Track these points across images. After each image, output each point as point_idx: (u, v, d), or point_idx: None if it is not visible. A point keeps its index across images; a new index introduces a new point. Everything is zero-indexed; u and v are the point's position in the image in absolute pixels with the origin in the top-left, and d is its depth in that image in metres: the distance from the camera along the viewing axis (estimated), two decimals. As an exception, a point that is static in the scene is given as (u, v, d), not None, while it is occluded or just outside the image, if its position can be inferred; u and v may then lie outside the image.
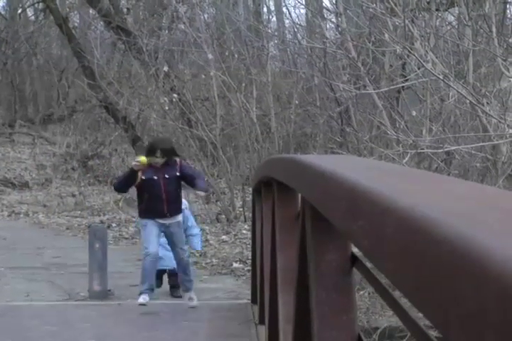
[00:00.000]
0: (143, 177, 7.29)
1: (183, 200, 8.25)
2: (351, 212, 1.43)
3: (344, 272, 2.37)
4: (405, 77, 11.48)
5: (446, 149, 6.73)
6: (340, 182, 1.55)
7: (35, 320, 6.43)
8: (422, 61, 6.79)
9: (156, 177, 7.34)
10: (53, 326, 6.29)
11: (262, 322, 5.85)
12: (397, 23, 9.00)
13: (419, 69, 8.85)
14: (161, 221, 7.57)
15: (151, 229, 7.42)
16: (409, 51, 6.99)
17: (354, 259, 2.41)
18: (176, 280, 8.24)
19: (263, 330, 5.44)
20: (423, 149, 6.99)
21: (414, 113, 7.94)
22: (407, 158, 6.74)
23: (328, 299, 2.32)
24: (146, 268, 7.50)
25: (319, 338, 2.30)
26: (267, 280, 4.91)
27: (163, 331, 6.29)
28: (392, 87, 8.74)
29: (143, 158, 7.30)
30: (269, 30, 15.63)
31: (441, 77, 6.81)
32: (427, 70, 8.74)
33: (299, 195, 4.47)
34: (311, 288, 2.42)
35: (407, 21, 7.24)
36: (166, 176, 7.38)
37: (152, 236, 7.41)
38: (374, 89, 9.04)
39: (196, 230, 8.65)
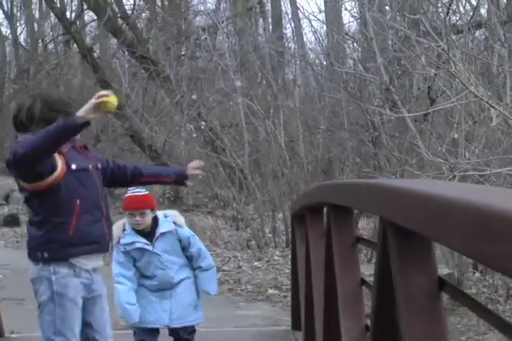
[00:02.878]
0: (72, 167, 3.91)
1: (173, 212, 5.59)
2: (483, 235, 1.41)
3: (433, 296, 2.34)
4: (432, 99, 11.48)
5: (493, 171, 6.70)
6: (464, 205, 1.53)
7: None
8: (465, 84, 6.79)
9: (90, 167, 4.03)
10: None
11: (309, 348, 5.80)
12: (426, 46, 9.02)
13: (449, 90, 8.85)
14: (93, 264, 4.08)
15: (76, 297, 3.93)
16: (452, 73, 6.99)
17: (441, 283, 2.38)
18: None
19: (312, 357, 5.39)
20: (465, 171, 6.96)
21: (456, 135, 7.94)
22: (456, 180, 6.71)
23: (419, 324, 2.29)
24: None
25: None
26: (319, 307, 4.87)
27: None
28: (430, 110, 8.74)
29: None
30: (295, 55, 15.70)
31: (484, 99, 6.81)
32: (459, 92, 8.74)
33: (354, 220, 4.44)
34: (399, 313, 2.39)
35: (442, 44, 7.25)
36: (99, 166, 4.15)
37: (77, 318, 3.94)
38: (406, 113, 9.03)
39: (210, 259, 5.55)
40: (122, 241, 5.22)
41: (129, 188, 5.18)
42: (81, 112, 3.63)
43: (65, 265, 3.86)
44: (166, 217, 5.38)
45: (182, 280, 5.36)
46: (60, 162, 3.82)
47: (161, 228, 5.27)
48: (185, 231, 5.49)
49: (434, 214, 1.82)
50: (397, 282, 2.41)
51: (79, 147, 4.00)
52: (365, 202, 2.88)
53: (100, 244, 3.98)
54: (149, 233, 5.26)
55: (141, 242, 5.23)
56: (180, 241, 5.36)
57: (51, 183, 3.82)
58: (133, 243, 5.23)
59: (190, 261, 5.41)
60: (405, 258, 2.39)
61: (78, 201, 3.84)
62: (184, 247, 5.38)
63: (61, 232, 3.82)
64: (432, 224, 1.88)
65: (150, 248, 5.24)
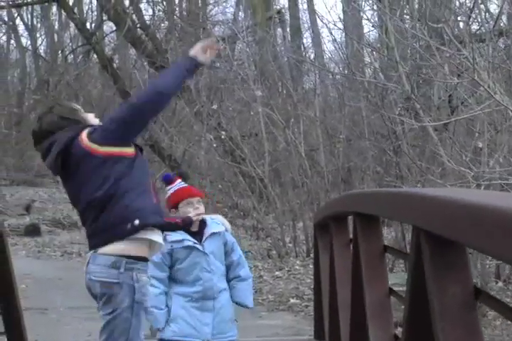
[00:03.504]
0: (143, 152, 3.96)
1: (217, 216, 5.34)
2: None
3: (469, 306, 2.33)
4: (452, 108, 11.45)
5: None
6: (498, 210, 1.53)
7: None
8: (491, 92, 6.77)
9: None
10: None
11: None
12: (448, 55, 9.01)
13: (471, 99, 8.83)
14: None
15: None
16: (477, 82, 6.97)
17: (477, 292, 2.37)
18: None
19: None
20: (490, 180, 6.94)
21: (480, 144, 7.91)
22: (481, 189, 6.68)
23: (455, 334, 2.28)
24: None
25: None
26: (345, 316, 4.85)
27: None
28: (454, 119, 8.72)
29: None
30: (314, 64, 15.71)
31: (510, 107, 6.78)
32: (481, 101, 8.72)
33: (381, 229, 4.44)
34: (434, 323, 2.38)
35: (466, 52, 7.24)
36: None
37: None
38: (428, 122, 9.01)
39: (247, 268, 5.28)
40: (169, 238, 4.77)
41: (168, 187, 4.97)
42: (194, 52, 3.81)
43: (144, 273, 3.77)
44: (212, 218, 5.09)
45: (222, 290, 5.02)
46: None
47: (211, 228, 4.97)
48: (231, 236, 5.21)
49: (470, 221, 1.82)
50: (431, 291, 2.40)
51: None
52: (397, 211, 2.87)
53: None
54: (197, 233, 4.93)
55: (191, 240, 4.88)
56: (225, 245, 5.04)
57: (134, 154, 3.74)
58: (182, 240, 4.86)
59: (228, 269, 5.07)
60: (440, 267, 2.38)
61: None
62: (227, 252, 5.06)
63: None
64: (467, 230, 1.88)
65: (200, 247, 4.89)
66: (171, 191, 4.94)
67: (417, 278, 2.62)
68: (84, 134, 3.75)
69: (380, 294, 3.89)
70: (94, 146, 3.68)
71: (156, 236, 3.75)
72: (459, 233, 1.99)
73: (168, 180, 5.01)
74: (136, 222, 3.62)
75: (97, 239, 3.70)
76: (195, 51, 3.79)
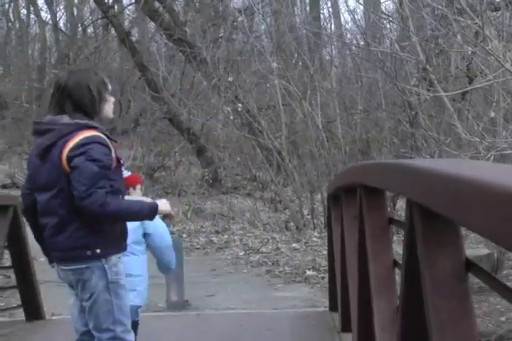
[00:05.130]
0: (121, 161, 3.88)
1: None
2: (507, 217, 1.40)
3: (460, 278, 2.32)
4: (470, 78, 11.34)
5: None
6: (491, 187, 1.51)
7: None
8: (501, 61, 6.68)
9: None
10: (138, 338, 6.31)
11: (345, 330, 5.80)
12: (463, 24, 8.89)
13: (489, 69, 8.71)
14: None
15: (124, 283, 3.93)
16: (488, 51, 6.88)
17: (468, 264, 2.36)
18: None
19: (348, 338, 5.39)
20: (502, 150, 6.88)
21: (492, 114, 7.82)
22: (491, 160, 6.63)
23: (445, 306, 2.27)
24: None
25: (438, 345, 2.26)
26: (354, 288, 4.86)
27: (247, 341, 6.27)
28: (467, 89, 8.63)
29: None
30: (331, 36, 15.59)
31: (521, 76, 6.70)
32: (496, 71, 8.61)
33: (387, 201, 4.43)
34: (425, 295, 2.38)
35: (479, 21, 7.14)
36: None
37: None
38: (443, 92, 8.92)
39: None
40: None
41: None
42: (162, 206, 3.85)
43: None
44: None
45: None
46: (114, 155, 3.74)
47: None
48: None
49: (460, 197, 1.80)
50: (422, 263, 2.40)
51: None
52: (394, 183, 2.86)
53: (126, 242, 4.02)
54: None
55: None
56: None
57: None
58: None
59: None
60: (431, 239, 2.37)
61: (120, 196, 3.78)
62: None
63: (114, 228, 3.79)
64: (457, 207, 1.85)
65: None
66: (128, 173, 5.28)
67: (410, 250, 2.62)
68: (71, 145, 3.64)
69: (385, 266, 3.89)
70: (65, 166, 3.65)
71: None
72: (442, 206, 1.98)
73: None
74: None
75: None
76: (163, 206, 3.86)
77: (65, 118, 3.70)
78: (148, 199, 4.55)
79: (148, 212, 3.80)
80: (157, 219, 5.19)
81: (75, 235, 3.68)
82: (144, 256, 5.21)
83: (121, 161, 3.85)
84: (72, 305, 3.93)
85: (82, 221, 3.66)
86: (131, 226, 4.44)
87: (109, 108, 3.83)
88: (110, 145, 3.73)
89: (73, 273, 3.73)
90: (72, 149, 3.63)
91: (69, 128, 3.67)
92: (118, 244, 3.79)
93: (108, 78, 4.01)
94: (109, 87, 3.85)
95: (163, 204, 3.90)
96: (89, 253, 3.68)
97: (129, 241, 4.26)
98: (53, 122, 3.73)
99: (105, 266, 3.71)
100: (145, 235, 5.24)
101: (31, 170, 3.84)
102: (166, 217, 4.36)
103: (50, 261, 3.87)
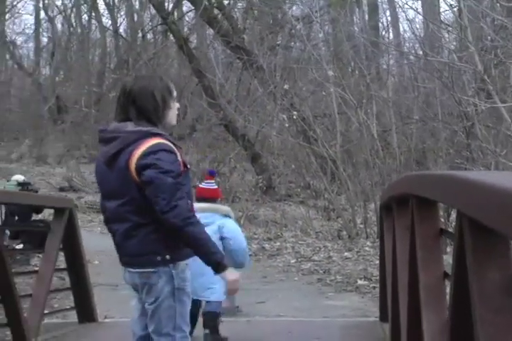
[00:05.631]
0: (188, 166, 3.85)
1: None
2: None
3: (508, 292, 2.31)
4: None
5: None
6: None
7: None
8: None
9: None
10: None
11: (395, 340, 5.77)
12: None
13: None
14: None
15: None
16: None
17: (517, 278, 2.35)
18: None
19: (398, 349, 5.36)
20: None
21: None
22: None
23: (493, 319, 2.26)
24: None
25: (484, 359, 2.25)
26: (404, 298, 4.84)
27: (295, 348, 6.27)
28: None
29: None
30: (389, 45, 15.54)
31: None
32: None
33: (440, 212, 4.41)
34: (473, 307, 2.37)
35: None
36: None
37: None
38: (501, 103, 8.82)
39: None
40: None
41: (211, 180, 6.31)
42: (222, 267, 3.69)
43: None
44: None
45: None
46: (180, 160, 3.70)
47: None
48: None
49: (504, 209, 1.80)
50: (471, 276, 2.39)
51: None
52: (445, 194, 2.85)
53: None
54: None
55: None
56: None
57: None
58: None
59: None
60: (481, 252, 2.36)
61: (189, 201, 3.72)
62: None
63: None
64: (507, 220, 1.85)
65: None
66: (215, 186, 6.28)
67: (460, 262, 2.61)
68: (138, 153, 3.63)
69: (435, 277, 3.87)
70: (134, 175, 3.65)
71: None
72: (492, 219, 1.97)
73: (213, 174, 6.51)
74: None
75: None
76: (232, 276, 3.74)
77: (130, 126, 3.70)
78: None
79: (215, 260, 3.66)
80: (233, 223, 6.13)
81: (145, 241, 3.68)
82: None
83: (188, 165, 3.82)
84: (133, 308, 3.95)
85: (153, 226, 3.67)
86: (210, 230, 4.79)
87: (173, 115, 3.80)
88: (176, 151, 3.70)
89: (140, 276, 3.73)
90: (139, 158, 3.63)
91: (134, 136, 3.67)
92: (187, 250, 3.73)
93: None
94: (174, 94, 3.81)
95: (233, 275, 3.75)
96: (159, 258, 3.67)
97: None
98: (118, 130, 3.74)
99: (173, 271, 3.71)
100: (221, 238, 5.88)
101: (99, 177, 3.87)
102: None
103: (123, 265, 3.87)
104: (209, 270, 4.13)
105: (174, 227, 3.60)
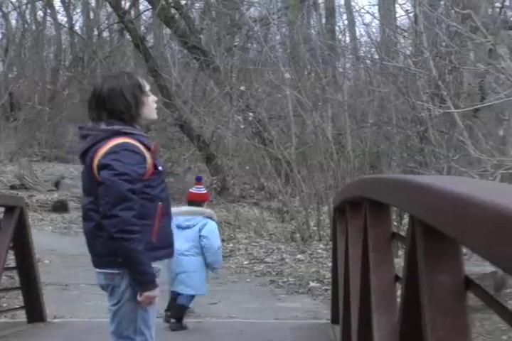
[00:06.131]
0: (159, 168, 3.76)
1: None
2: (506, 239, 1.41)
3: (458, 295, 2.33)
4: (482, 96, 11.34)
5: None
6: (487, 206, 1.52)
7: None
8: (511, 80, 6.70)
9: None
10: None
11: (345, 343, 5.80)
12: (476, 42, 8.91)
13: (502, 87, 8.73)
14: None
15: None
16: (500, 70, 6.89)
17: (468, 282, 2.37)
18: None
19: (348, 351, 5.39)
20: (510, 169, 6.88)
21: (502, 132, 7.83)
22: (498, 178, 6.63)
23: (442, 323, 2.28)
24: None
25: (434, 362, 2.27)
26: (355, 301, 4.86)
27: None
28: (478, 106, 8.63)
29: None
30: (345, 49, 15.63)
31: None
32: (508, 89, 8.62)
33: (392, 215, 4.44)
34: (423, 311, 2.39)
35: (492, 39, 7.15)
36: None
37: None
38: (454, 108, 8.93)
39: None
40: None
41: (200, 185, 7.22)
42: (149, 287, 3.62)
43: None
44: None
45: None
46: (149, 162, 3.65)
47: None
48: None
49: (459, 215, 1.81)
50: (422, 279, 2.41)
51: (156, 146, 3.79)
52: (397, 198, 2.87)
53: (173, 248, 3.87)
54: None
55: None
56: None
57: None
58: None
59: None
60: (432, 256, 2.38)
61: (160, 203, 3.70)
62: None
63: (147, 235, 3.63)
64: (456, 224, 1.87)
65: None
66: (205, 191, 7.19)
67: (411, 266, 2.63)
68: (101, 152, 3.61)
69: (386, 281, 3.89)
70: (96, 174, 3.62)
71: None
72: (445, 224, 1.99)
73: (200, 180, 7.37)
74: None
75: None
76: (153, 292, 3.63)
77: (103, 124, 3.68)
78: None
79: (143, 280, 3.60)
80: (213, 224, 6.96)
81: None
82: (201, 256, 6.88)
83: (160, 168, 3.73)
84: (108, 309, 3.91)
85: None
86: (193, 230, 6.67)
87: (148, 110, 3.73)
88: (144, 152, 3.63)
89: (105, 276, 3.70)
90: (101, 157, 3.61)
91: (103, 135, 3.64)
92: (155, 253, 3.67)
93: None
94: (147, 89, 3.74)
95: (154, 293, 3.64)
96: (120, 260, 3.62)
97: (190, 244, 6.73)
98: (93, 128, 3.72)
99: None
100: (200, 236, 6.83)
101: (81, 174, 3.85)
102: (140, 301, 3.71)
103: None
104: (191, 268, 4.95)
105: (108, 234, 3.56)
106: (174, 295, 7.04)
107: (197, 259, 6.86)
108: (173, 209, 4.40)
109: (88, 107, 3.78)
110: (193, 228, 6.83)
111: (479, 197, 1.67)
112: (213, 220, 7.03)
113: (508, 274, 1.62)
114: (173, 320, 7.01)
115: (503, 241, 1.43)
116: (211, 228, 6.90)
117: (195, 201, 6.96)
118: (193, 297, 7.10)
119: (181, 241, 6.50)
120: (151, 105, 3.76)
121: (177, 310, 7.06)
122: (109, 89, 3.67)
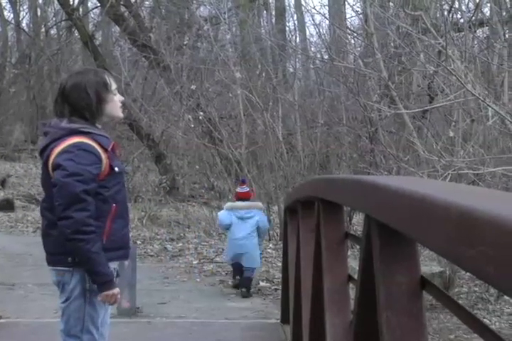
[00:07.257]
0: (116, 169, 3.68)
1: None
2: (464, 237, 1.40)
3: (415, 295, 2.33)
4: (431, 97, 11.46)
5: (488, 170, 6.67)
6: (446, 205, 1.51)
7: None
8: (462, 82, 6.76)
9: (124, 170, 3.96)
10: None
11: (296, 342, 5.79)
12: (426, 43, 9.00)
13: (451, 88, 8.83)
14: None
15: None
16: (449, 71, 6.95)
17: (423, 282, 2.37)
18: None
19: (299, 351, 5.38)
20: (460, 170, 6.94)
21: (451, 133, 7.92)
22: (448, 179, 6.69)
23: (399, 323, 2.28)
24: None
25: (389, 362, 2.26)
26: (307, 301, 4.86)
27: (196, 350, 6.23)
28: (428, 107, 8.72)
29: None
30: (296, 49, 15.66)
31: (481, 97, 6.77)
32: (458, 90, 8.72)
33: (345, 216, 4.45)
34: (379, 311, 2.38)
35: (442, 41, 7.22)
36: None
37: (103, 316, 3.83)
38: (404, 109, 9.00)
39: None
40: None
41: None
42: (106, 287, 3.59)
43: None
44: None
45: None
46: (104, 162, 3.60)
47: None
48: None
49: (416, 214, 1.81)
50: (378, 279, 2.40)
51: (115, 146, 3.75)
52: (352, 198, 2.86)
53: (127, 250, 3.83)
54: None
55: None
56: None
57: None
58: None
59: None
60: (387, 256, 2.38)
61: (114, 204, 3.66)
62: None
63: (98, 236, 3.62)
64: (413, 223, 1.86)
65: None
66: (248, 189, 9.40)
67: (366, 266, 2.62)
68: (56, 151, 3.57)
69: (339, 281, 3.89)
70: (51, 172, 3.61)
71: None
72: (401, 223, 1.98)
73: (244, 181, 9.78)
74: None
75: None
76: (107, 288, 3.59)
77: (64, 122, 3.63)
78: None
79: (100, 280, 3.56)
80: (264, 215, 9.57)
81: (59, 240, 3.60)
82: (256, 238, 9.11)
83: (116, 169, 3.67)
84: None
85: None
86: (251, 221, 8.93)
87: (112, 108, 3.70)
88: (99, 152, 3.59)
89: (56, 273, 3.71)
90: (56, 156, 3.57)
91: (61, 133, 3.60)
92: (109, 254, 3.63)
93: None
94: (113, 87, 3.71)
95: (113, 291, 3.61)
96: (69, 259, 3.62)
97: (251, 230, 8.92)
98: (54, 125, 3.68)
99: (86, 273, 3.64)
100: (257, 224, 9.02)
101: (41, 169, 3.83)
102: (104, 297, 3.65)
103: None
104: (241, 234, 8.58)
105: (64, 236, 3.54)
106: (239, 267, 9.10)
107: (255, 241, 9.00)
108: (235, 204, 9.05)
109: (54, 102, 3.77)
110: (253, 218, 8.93)
111: (440, 196, 1.67)
112: (261, 210, 9.51)
113: (467, 273, 1.61)
114: (244, 289, 9.08)
115: (463, 241, 1.43)
116: (264, 218, 9.37)
117: (242, 198, 9.03)
118: (254, 269, 9.20)
119: (244, 229, 8.86)
120: (116, 103, 3.74)
121: (247, 281, 9.11)
122: (73, 85, 3.65)
